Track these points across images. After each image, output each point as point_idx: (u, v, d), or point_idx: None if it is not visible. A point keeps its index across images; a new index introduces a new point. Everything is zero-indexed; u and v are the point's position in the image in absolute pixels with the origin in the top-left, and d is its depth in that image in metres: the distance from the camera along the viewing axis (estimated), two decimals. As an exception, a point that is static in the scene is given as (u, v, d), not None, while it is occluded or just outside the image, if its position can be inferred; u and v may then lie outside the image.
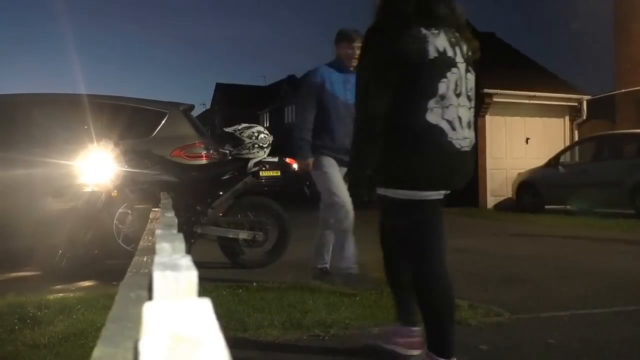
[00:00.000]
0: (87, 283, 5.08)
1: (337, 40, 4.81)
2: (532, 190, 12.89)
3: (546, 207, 12.60)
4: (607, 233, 8.82)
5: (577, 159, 13.66)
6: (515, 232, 9.35)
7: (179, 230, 1.10)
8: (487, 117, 14.75)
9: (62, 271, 5.34)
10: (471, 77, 2.67)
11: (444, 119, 2.54)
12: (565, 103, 15.50)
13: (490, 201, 14.66)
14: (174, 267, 0.55)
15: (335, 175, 4.64)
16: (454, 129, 2.56)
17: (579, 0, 22.22)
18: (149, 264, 1.03)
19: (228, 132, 5.67)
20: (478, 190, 14.57)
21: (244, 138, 5.56)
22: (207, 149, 6.43)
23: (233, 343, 2.93)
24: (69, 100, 6.59)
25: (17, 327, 3.40)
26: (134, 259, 1.24)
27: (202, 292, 0.52)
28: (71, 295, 4.36)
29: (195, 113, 8.08)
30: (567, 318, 3.79)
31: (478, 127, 14.52)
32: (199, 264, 0.62)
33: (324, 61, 4.90)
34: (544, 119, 15.45)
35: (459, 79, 2.58)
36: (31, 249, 5.36)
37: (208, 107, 44.21)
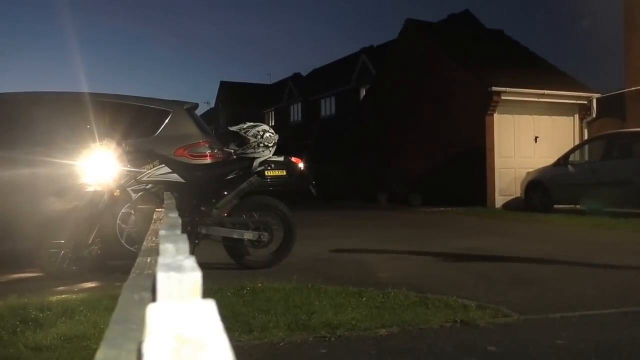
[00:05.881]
0: (89, 284, 5.06)
1: None
2: (541, 190, 12.80)
3: (555, 206, 12.51)
4: (616, 233, 8.75)
5: (586, 157, 13.56)
6: (524, 232, 9.29)
7: (183, 231, 1.09)
8: (496, 116, 14.68)
9: (64, 272, 5.32)
10: None
11: None
12: (574, 101, 15.41)
13: (499, 200, 14.58)
14: (178, 268, 0.55)
15: None
16: None
17: (588, -3, 22.07)
18: (153, 265, 1.04)
19: (233, 131, 5.63)
20: (486, 190, 14.52)
21: (248, 137, 5.51)
22: (211, 148, 6.38)
23: (238, 345, 2.89)
24: (72, 99, 6.57)
25: (19, 329, 3.38)
26: (137, 259, 1.24)
27: (206, 293, 0.52)
28: (74, 296, 4.34)
29: (199, 112, 8.06)
30: (576, 319, 3.75)
31: (486, 125, 14.48)
32: (203, 265, 0.60)
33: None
34: (553, 117, 15.36)
35: None
36: (33, 250, 5.34)
37: (212, 105, 44.22)
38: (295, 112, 34.31)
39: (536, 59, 17.34)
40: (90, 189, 5.45)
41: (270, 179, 5.61)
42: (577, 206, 12.29)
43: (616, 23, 17.04)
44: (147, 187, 5.31)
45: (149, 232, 2.01)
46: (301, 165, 5.89)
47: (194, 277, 0.53)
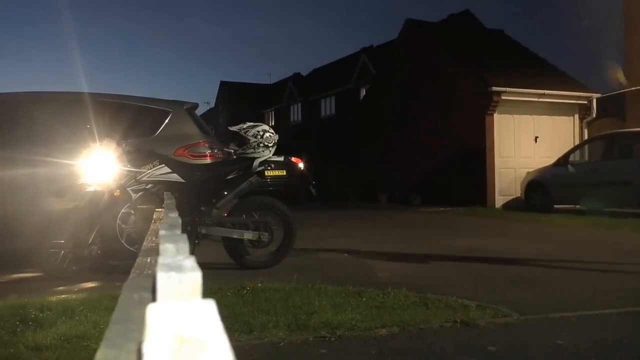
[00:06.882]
0: (89, 284, 5.05)
1: None
2: (541, 190, 12.80)
3: (555, 206, 12.51)
4: (616, 233, 8.75)
5: (586, 157, 13.55)
6: (524, 232, 9.28)
7: (183, 231, 1.09)
8: (496, 116, 14.67)
9: (64, 272, 5.32)
10: None
11: None
12: (574, 101, 15.40)
13: (499, 200, 14.57)
14: (178, 268, 0.55)
15: None
16: None
17: (588, -3, 22.04)
18: (153, 265, 1.04)
19: (233, 131, 5.62)
20: (486, 190, 14.51)
21: (248, 137, 5.51)
22: (211, 148, 6.39)
23: (238, 345, 2.88)
24: (72, 98, 6.57)
25: (19, 329, 3.38)
26: (137, 259, 1.24)
27: (206, 293, 0.52)
28: (74, 296, 4.34)
29: (199, 112, 8.06)
30: (577, 319, 3.74)
31: (486, 125, 14.47)
32: (203, 265, 0.60)
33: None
34: (553, 117, 15.35)
35: None
36: (33, 250, 5.34)
37: (212, 105, 44.23)
38: (295, 112, 34.29)
39: (536, 59, 17.33)
40: (90, 189, 5.44)
41: (270, 179, 5.61)
42: (577, 206, 12.29)
43: (616, 23, 17.04)
44: (147, 187, 5.31)
45: (149, 232, 2.01)
46: (301, 165, 5.88)
47: (194, 277, 0.53)
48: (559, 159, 12.91)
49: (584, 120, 15.60)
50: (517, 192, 14.23)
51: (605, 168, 11.56)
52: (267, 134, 5.57)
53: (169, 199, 3.62)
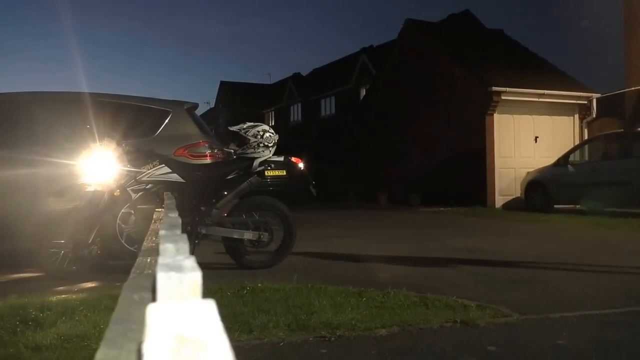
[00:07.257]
0: (89, 284, 5.06)
1: None
2: (541, 190, 12.81)
3: (555, 206, 12.51)
4: (616, 233, 8.75)
5: (586, 157, 13.56)
6: (524, 232, 9.28)
7: (183, 231, 1.09)
8: (496, 116, 14.67)
9: (64, 272, 5.32)
10: None
11: None
12: (574, 101, 15.40)
13: (499, 200, 14.58)
14: (178, 268, 0.55)
15: None
16: None
17: (588, -3, 22.05)
18: (153, 265, 1.04)
19: (233, 131, 5.62)
20: (486, 190, 14.51)
21: (248, 137, 5.51)
22: (211, 148, 6.39)
23: (238, 345, 2.88)
24: (72, 98, 6.57)
25: (19, 329, 3.38)
26: (137, 259, 1.24)
27: (207, 293, 0.52)
28: (74, 296, 4.34)
29: (199, 112, 8.05)
30: (577, 318, 3.74)
31: (486, 125, 14.47)
32: (203, 265, 0.61)
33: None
34: (553, 117, 15.35)
35: None
36: (33, 250, 5.34)
37: (212, 105, 44.20)
38: (295, 112, 34.29)
39: (536, 59, 17.33)
40: (90, 189, 5.44)
41: (270, 179, 5.61)
42: (577, 206, 12.28)
43: (616, 23, 17.04)
44: (147, 187, 5.31)
45: (149, 232, 2.00)
46: (301, 165, 5.88)
47: (194, 277, 0.53)
48: (559, 159, 12.90)
49: (584, 120, 15.60)
50: (517, 192, 14.23)
51: (605, 168, 11.56)
52: (267, 134, 5.57)
53: (169, 199, 3.62)
